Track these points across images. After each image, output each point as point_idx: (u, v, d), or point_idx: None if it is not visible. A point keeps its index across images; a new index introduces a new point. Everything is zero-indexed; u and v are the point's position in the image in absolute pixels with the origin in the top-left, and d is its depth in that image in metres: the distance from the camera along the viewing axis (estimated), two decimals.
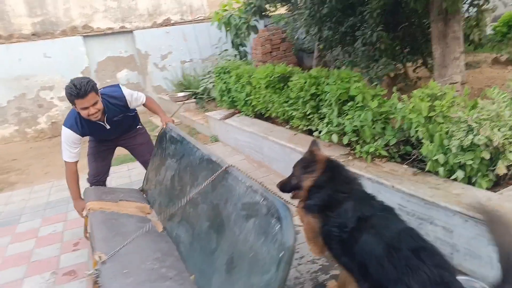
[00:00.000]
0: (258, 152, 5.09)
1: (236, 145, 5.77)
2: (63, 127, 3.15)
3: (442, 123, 2.87)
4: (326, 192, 1.89)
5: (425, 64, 5.97)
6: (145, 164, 3.71)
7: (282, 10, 7.24)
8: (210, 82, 8.33)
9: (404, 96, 3.24)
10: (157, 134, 3.58)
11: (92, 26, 9.23)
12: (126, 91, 3.30)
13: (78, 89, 2.81)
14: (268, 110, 5.18)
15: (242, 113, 6.09)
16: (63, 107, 9.01)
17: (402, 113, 3.12)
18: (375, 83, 4.83)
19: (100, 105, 3.01)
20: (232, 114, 6.25)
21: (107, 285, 1.88)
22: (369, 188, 3.13)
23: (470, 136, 2.59)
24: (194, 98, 8.64)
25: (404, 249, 1.55)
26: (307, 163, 2.02)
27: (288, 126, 4.89)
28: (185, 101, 8.40)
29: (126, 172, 5.46)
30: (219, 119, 6.21)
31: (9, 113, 8.63)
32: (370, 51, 5.48)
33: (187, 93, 8.70)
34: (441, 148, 2.80)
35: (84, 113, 2.96)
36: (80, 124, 3.11)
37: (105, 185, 3.76)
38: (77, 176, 3.27)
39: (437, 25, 4.20)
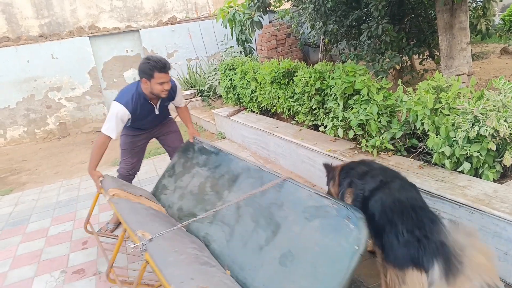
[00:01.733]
0: (264, 148, 5.09)
1: (243, 141, 5.78)
2: (115, 102, 3.15)
3: (448, 115, 2.84)
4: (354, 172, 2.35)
5: (431, 56, 5.91)
6: (174, 151, 3.71)
7: (287, 5, 7.20)
8: (216, 79, 8.35)
9: (410, 89, 3.21)
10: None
11: (99, 26, 9.29)
12: (178, 85, 3.51)
13: (164, 63, 3.00)
14: (274, 106, 5.17)
15: (247, 109, 6.09)
16: (71, 108, 9.10)
17: (407, 105, 3.09)
18: (381, 76, 4.79)
19: (170, 83, 3.17)
20: (238, 111, 6.26)
21: (160, 259, 1.92)
22: None
23: (476, 128, 2.56)
24: (200, 96, 8.67)
25: (406, 203, 1.93)
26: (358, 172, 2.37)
27: (293, 122, 4.88)
28: (191, 99, 8.42)
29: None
30: (225, 116, 6.22)
31: (18, 114, 8.74)
32: (376, 44, 5.43)
33: (193, 91, 8.72)
34: (447, 140, 2.77)
35: (159, 88, 3.08)
36: (135, 103, 3.15)
37: (132, 181, 3.79)
38: (105, 149, 3.21)
39: (443, 16, 4.15)
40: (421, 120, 2.96)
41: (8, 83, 8.51)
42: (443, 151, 2.77)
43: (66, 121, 9.07)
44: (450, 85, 3.02)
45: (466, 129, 2.62)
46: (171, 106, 3.67)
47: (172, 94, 3.36)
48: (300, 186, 2.13)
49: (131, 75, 9.62)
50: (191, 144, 3.49)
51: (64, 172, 6.17)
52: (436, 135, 2.84)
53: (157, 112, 3.37)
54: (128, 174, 3.65)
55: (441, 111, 2.91)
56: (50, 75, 8.82)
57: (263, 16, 5.61)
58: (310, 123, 4.39)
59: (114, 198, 2.82)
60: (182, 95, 3.66)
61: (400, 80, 3.48)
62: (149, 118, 3.40)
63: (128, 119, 3.20)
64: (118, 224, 3.70)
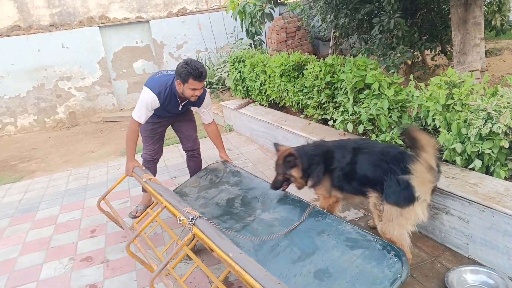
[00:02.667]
0: (272, 142, 5.08)
1: (251, 134, 5.77)
2: (148, 90, 3.21)
3: (460, 111, 2.81)
4: (314, 161, 2.63)
5: (443, 51, 5.83)
6: (186, 139, 3.79)
7: None
8: (225, 72, 8.33)
9: (421, 84, 3.17)
10: None
11: (109, 16, 9.29)
12: (208, 96, 3.52)
13: (200, 72, 3.04)
14: (283, 99, 5.15)
15: (256, 102, 6.07)
16: (81, 97, 9.14)
17: (419, 101, 3.06)
18: (392, 71, 4.74)
19: (202, 90, 3.23)
20: (247, 104, 6.24)
21: (210, 233, 2.04)
22: None
23: (489, 124, 2.52)
24: (209, 88, 8.66)
25: (392, 152, 2.41)
26: (284, 161, 2.68)
27: (302, 115, 4.86)
28: None
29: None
30: (233, 108, 6.21)
31: (29, 103, 8.81)
32: (387, 38, 5.37)
33: None
34: (459, 137, 2.73)
35: (189, 93, 3.14)
36: (165, 95, 3.23)
37: (156, 165, 3.88)
38: (138, 135, 3.34)
39: (457, 11, 4.08)
40: (433, 116, 2.93)
41: (19, 72, 8.58)
42: (454, 148, 2.74)
43: (76, 111, 9.13)
44: (463, 81, 2.98)
45: (479, 126, 2.59)
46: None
47: (198, 101, 3.39)
48: (343, 221, 2.36)
49: (141, 66, 9.63)
50: (223, 165, 3.54)
51: (73, 161, 6.22)
52: (448, 131, 2.80)
53: (180, 109, 3.44)
54: (152, 159, 3.74)
55: (453, 107, 2.87)
56: (60, 65, 8.86)
57: (274, 8, 5.57)
58: (319, 117, 4.36)
59: (151, 182, 2.90)
60: (210, 107, 3.60)
61: (412, 75, 3.44)
62: (172, 112, 3.47)
63: (156, 107, 3.28)
64: (147, 206, 3.72)
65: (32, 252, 3.52)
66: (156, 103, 3.23)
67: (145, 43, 9.66)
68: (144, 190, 3.79)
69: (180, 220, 2.19)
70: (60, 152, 6.89)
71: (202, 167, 3.80)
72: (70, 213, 4.22)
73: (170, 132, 4.06)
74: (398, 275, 1.85)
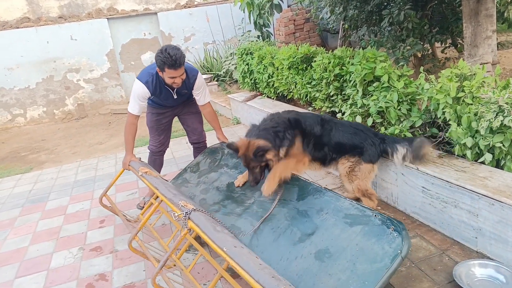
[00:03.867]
0: None
1: None
2: (137, 80, 3.25)
3: (471, 104, 2.77)
4: (279, 130, 2.63)
5: (454, 44, 5.76)
6: (192, 132, 3.80)
7: None
8: (232, 64, 8.30)
9: (432, 77, 3.13)
10: None
11: (117, 8, 9.29)
12: (200, 79, 3.44)
13: (174, 60, 2.96)
14: (290, 92, 5.13)
15: (264, 95, 6.05)
16: (89, 89, 9.19)
17: (429, 93, 3.02)
18: (402, 63, 4.69)
19: (184, 76, 3.16)
20: (254, 96, 6.23)
21: (205, 227, 2.06)
22: (392, 170, 3.10)
23: (500, 117, 2.49)
24: (216, 81, 8.65)
25: (359, 124, 2.94)
26: (255, 153, 2.51)
27: (310, 108, 4.84)
28: (208, 84, 8.41)
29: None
30: (241, 101, 6.20)
31: (38, 94, 8.87)
32: (397, 30, 5.31)
33: (209, 75, 8.70)
34: (469, 130, 2.70)
35: (169, 81, 3.12)
36: (154, 84, 3.24)
37: (163, 156, 3.89)
38: (135, 128, 3.36)
39: (469, 2, 4.02)
40: (443, 109, 2.89)
41: (29, 64, 8.64)
42: (464, 142, 2.71)
43: (84, 103, 9.19)
44: (474, 74, 2.94)
45: (490, 119, 2.55)
46: None
47: (188, 84, 3.34)
48: (341, 197, 2.32)
49: (149, 58, 9.64)
50: (221, 147, 3.52)
51: (82, 152, 6.27)
52: (458, 124, 2.77)
53: (175, 96, 3.41)
54: (158, 150, 3.74)
55: (463, 100, 2.84)
56: (69, 57, 8.91)
57: (283, 0, 5.52)
58: (328, 110, 4.34)
59: (146, 175, 2.93)
60: (205, 90, 3.55)
61: (422, 68, 3.40)
62: (169, 100, 3.46)
63: (149, 97, 3.31)
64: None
65: (42, 241, 3.57)
66: (146, 92, 3.24)
67: (153, 35, 9.66)
68: None
69: (175, 216, 2.18)
70: (69, 144, 6.95)
71: None
72: (79, 203, 4.26)
73: (178, 125, 4.07)
74: (399, 251, 1.82)
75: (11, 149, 7.11)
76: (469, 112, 2.73)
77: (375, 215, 2.05)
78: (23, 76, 8.65)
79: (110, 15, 9.18)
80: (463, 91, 2.86)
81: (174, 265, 2.50)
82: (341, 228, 2.11)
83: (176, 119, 3.80)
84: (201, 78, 3.46)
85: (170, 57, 2.95)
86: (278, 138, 2.61)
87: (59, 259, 3.26)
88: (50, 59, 8.78)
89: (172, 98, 3.41)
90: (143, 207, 3.73)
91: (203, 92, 3.52)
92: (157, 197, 3.13)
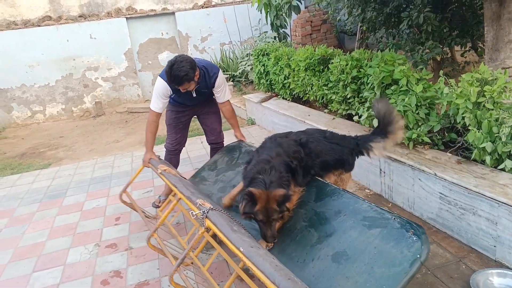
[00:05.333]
0: None
1: (273, 128, 5.76)
2: (159, 78, 3.29)
3: (492, 109, 2.72)
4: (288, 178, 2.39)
5: (474, 48, 5.64)
6: (211, 132, 3.81)
7: None
8: (248, 65, 8.32)
9: (451, 81, 3.09)
10: None
11: (136, 8, 9.40)
12: (221, 76, 3.46)
13: (172, 81, 3.07)
14: (306, 94, 5.11)
15: (279, 96, 6.05)
16: (107, 88, 9.32)
17: (448, 98, 2.98)
18: (420, 67, 4.63)
19: (192, 87, 3.19)
20: (270, 97, 6.23)
21: (223, 226, 2.06)
22: (409, 175, 3.06)
23: None
24: (232, 81, 8.67)
25: (328, 133, 2.76)
26: (278, 203, 2.24)
27: (326, 110, 4.81)
28: None
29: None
30: (256, 102, 6.21)
31: (57, 92, 9.04)
32: (416, 33, 5.24)
33: (225, 76, 8.71)
34: (490, 136, 2.65)
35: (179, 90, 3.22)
36: None
37: (179, 155, 3.90)
38: (156, 126, 3.40)
39: (491, 5, 3.94)
40: (462, 113, 2.85)
41: (49, 61, 8.81)
42: (484, 147, 2.66)
43: (102, 101, 9.32)
44: (496, 79, 2.88)
45: (511, 125, 2.50)
46: None
47: (207, 81, 3.36)
48: (360, 199, 2.30)
49: (166, 57, 9.72)
50: (238, 145, 3.53)
51: (99, 150, 6.36)
52: (478, 130, 2.72)
53: (194, 95, 3.42)
54: (174, 149, 3.76)
55: (484, 105, 2.79)
56: (88, 55, 9.05)
57: (302, 1, 5.51)
58: (344, 112, 4.31)
59: (166, 173, 2.94)
60: (226, 88, 3.54)
61: (442, 72, 3.35)
62: (189, 98, 3.47)
63: (170, 95, 3.33)
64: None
65: (59, 237, 3.63)
66: (168, 90, 3.28)
67: (171, 35, 9.74)
68: None
69: (193, 214, 2.20)
70: (86, 141, 7.06)
71: None
72: (95, 200, 4.33)
73: (193, 124, 4.09)
74: (418, 255, 1.78)
75: (30, 145, 7.26)
76: (490, 117, 2.68)
77: (394, 218, 2.02)
78: (43, 74, 8.83)
79: (129, 15, 9.30)
80: (483, 96, 2.81)
81: (192, 263, 2.51)
82: (359, 230, 2.08)
83: (194, 118, 3.82)
84: (221, 76, 3.47)
85: (170, 77, 3.05)
86: (286, 183, 2.37)
87: (75, 254, 3.31)
88: (69, 57, 8.94)
89: (191, 96, 3.43)
90: (158, 205, 3.78)
91: (224, 90, 3.52)
92: (175, 194, 3.17)
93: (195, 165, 4.89)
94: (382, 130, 2.66)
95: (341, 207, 2.30)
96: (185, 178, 3.23)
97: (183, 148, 3.88)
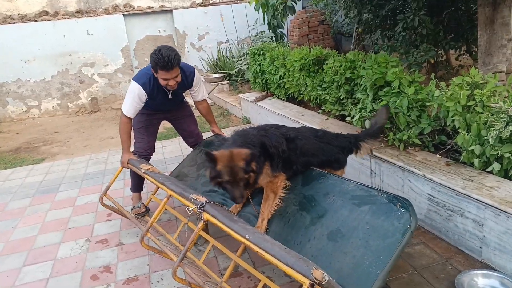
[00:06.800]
0: None
1: None
2: (133, 82, 3.15)
3: (481, 112, 2.75)
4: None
5: (469, 51, 5.69)
6: (189, 135, 3.73)
7: None
8: (245, 64, 8.32)
9: (443, 83, 3.12)
10: None
11: (133, 5, 9.39)
12: (197, 75, 3.40)
13: (166, 62, 2.90)
14: (301, 94, 5.14)
15: (274, 96, 6.07)
16: (103, 84, 9.31)
17: (439, 101, 3.01)
18: (414, 69, 4.66)
19: (179, 78, 3.10)
20: (265, 97, 6.25)
21: (222, 217, 2.10)
22: (399, 176, 3.09)
23: (510, 127, 2.47)
24: (228, 80, 8.68)
25: (320, 132, 2.83)
26: (246, 162, 2.26)
27: (320, 111, 4.84)
28: (219, 82, 8.45)
29: (160, 149, 5.61)
30: (251, 101, 6.23)
31: (53, 87, 9.01)
32: (411, 36, 5.28)
33: (221, 74, 8.74)
34: (478, 139, 2.69)
35: (163, 83, 3.06)
36: (151, 85, 3.15)
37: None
38: (130, 126, 3.29)
39: (485, 10, 3.98)
40: (452, 116, 2.88)
41: (45, 57, 8.78)
42: (472, 150, 2.69)
43: (98, 97, 9.30)
44: (486, 82, 2.91)
45: (499, 129, 2.54)
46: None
47: (185, 83, 3.29)
48: (346, 180, 2.40)
49: None
50: (215, 139, 3.54)
51: (93, 145, 6.36)
52: (467, 132, 2.76)
53: (170, 96, 3.32)
54: (145, 154, 3.56)
55: (474, 109, 2.82)
56: (84, 51, 9.03)
57: (297, 2, 5.53)
58: (337, 113, 4.34)
59: (149, 172, 2.93)
60: (202, 86, 3.50)
61: (433, 75, 3.38)
62: (164, 101, 3.36)
63: (145, 99, 3.20)
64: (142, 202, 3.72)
65: (51, 231, 3.64)
66: (143, 93, 3.14)
67: (168, 32, 9.74)
68: (133, 189, 3.66)
69: (189, 210, 2.22)
70: (81, 137, 7.06)
71: None
72: (88, 196, 4.33)
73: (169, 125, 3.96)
74: (408, 226, 1.92)
75: (24, 139, 7.24)
76: (479, 121, 2.71)
77: (381, 194, 2.14)
78: (39, 69, 8.80)
79: (126, 11, 9.29)
80: (473, 99, 2.84)
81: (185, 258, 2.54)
82: (350, 209, 2.19)
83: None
84: (197, 74, 3.39)
85: (163, 58, 2.89)
86: (254, 149, 2.35)
87: (66, 249, 3.32)
88: (66, 53, 8.91)
89: (167, 99, 3.32)
90: (141, 213, 3.50)
91: (201, 88, 3.47)
92: (155, 193, 3.19)
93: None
94: (374, 133, 2.89)
95: (329, 189, 2.40)
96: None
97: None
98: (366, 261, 1.91)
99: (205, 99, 3.58)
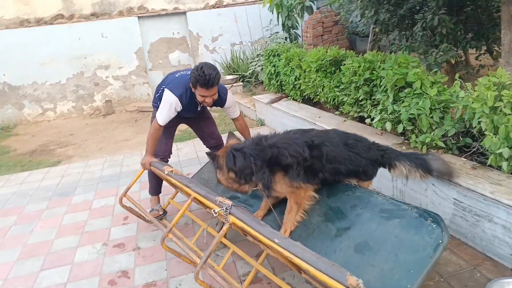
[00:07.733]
0: None
1: (283, 129, 5.70)
2: (170, 92, 3.15)
3: (510, 114, 2.64)
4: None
5: (489, 51, 5.54)
6: (209, 136, 3.74)
7: None
8: (259, 65, 8.28)
9: (468, 84, 3.02)
10: None
11: (147, 7, 9.42)
12: (231, 97, 3.41)
13: (207, 80, 2.93)
14: (317, 95, 5.06)
15: (289, 97, 6.00)
16: (117, 86, 9.35)
17: (464, 102, 2.91)
18: (434, 69, 4.55)
19: (216, 96, 3.13)
20: (280, 98, 6.19)
21: (249, 220, 2.08)
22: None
23: None
24: (242, 81, 8.65)
25: (352, 140, 2.57)
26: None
27: (337, 112, 4.76)
28: (233, 84, 8.42)
29: (175, 151, 5.57)
30: (266, 102, 6.17)
31: (68, 90, 9.09)
32: (430, 35, 5.16)
33: (235, 76, 8.70)
34: (507, 141, 2.58)
35: (200, 99, 3.10)
36: (187, 98, 3.20)
37: None
38: (160, 134, 3.30)
39: (509, 8, 3.85)
40: (479, 118, 2.78)
41: (61, 59, 8.86)
42: (500, 153, 2.59)
43: (112, 99, 9.35)
44: None
45: None
46: None
47: (219, 102, 3.31)
48: (374, 193, 2.37)
49: (176, 57, 9.74)
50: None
51: (108, 148, 6.38)
52: (494, 135, 2.65)
53: (199, 109, 3.39)
54: (164, 156, 3.57)
55: (501, 110, 2.71)
56: (99, 54, 9.09)
57: (314, 2, 5.47)
58: (355, 115, 4.25)
59: (173, 174, 2.91)
60: (236, 105, 3.54)
61: (457, 75, 3.28)
62: (192, 112, 3.41)
63: (179, 110, 3.23)
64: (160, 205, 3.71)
65: (68, 235, 3.63)
66: (179, 106, 3.17)
67: (182, 34, 9.74)
68: (151, 192, 3.72)
69: (215, 212, 2.18)
70: (96, 139, 7.09)
71: None
72: (104, 199, 4.32)
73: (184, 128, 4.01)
74: (440, 241, 1.87)
75: (40, 142, 7.30)
76: (507, 123, 2.60)
77: (411, 209, 2.10)
78: (54, 72, 8.88)
79: (140, 14, 9.32)
80: (501, 100, 2.73)
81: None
82: (378, 222, 2.15)
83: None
84: (231, 95, 3.42)
85: (204, 76, 2.91)
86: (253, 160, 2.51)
87: (83, 253, 3.30)
88: (81, 56, 8.98)
89: (196, 111, 3.39)
90: (160, 215, 3.60)
91: (234, 108, 3.49)
92: (174, 197, 3.14)
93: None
94: (419, 160, 2.48)
95: (356, 201, 2.36)
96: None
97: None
98: (395, 274, 1.86)
99: (241, 116, 3.58)
